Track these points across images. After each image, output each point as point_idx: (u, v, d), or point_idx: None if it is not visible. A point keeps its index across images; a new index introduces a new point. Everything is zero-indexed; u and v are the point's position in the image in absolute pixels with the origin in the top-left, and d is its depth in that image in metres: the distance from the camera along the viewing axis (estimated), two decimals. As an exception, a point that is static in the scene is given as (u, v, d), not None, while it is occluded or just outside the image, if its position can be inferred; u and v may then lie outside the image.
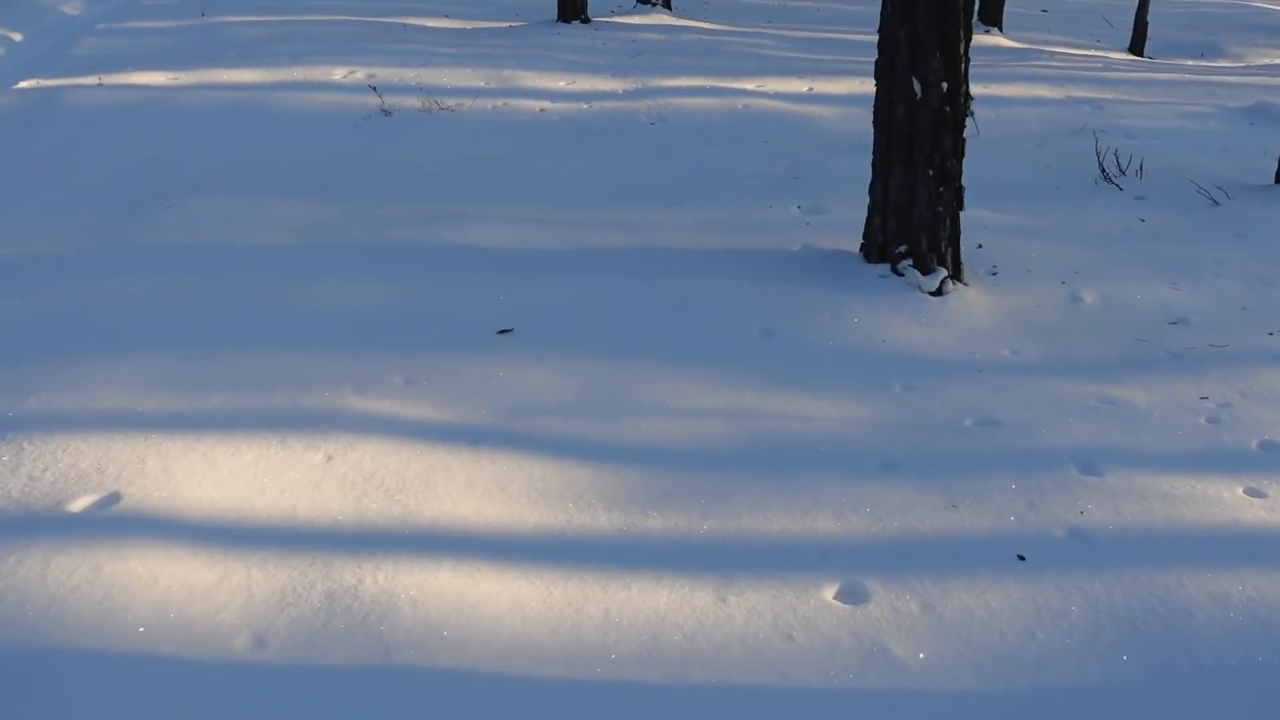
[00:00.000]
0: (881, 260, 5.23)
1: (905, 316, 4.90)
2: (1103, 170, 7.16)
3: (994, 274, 5.44)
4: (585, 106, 9.25)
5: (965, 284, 5.21)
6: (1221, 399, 4.20)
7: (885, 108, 5.04)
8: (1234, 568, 3.10)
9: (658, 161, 7.48)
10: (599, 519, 3.26)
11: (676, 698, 2.59)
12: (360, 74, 9.82)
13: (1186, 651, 2.78)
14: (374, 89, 9.14)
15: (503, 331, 4.53)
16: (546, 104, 9.27)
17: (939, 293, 5.07)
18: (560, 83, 9.95)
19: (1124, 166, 7.27)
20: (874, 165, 5.24)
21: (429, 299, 4.80)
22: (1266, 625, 2.87)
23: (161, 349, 4.17)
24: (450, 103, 9.14)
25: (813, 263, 5.41)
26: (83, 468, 3.26)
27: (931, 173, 5.01)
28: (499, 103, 9.24)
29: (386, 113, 8.71)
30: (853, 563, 3.11)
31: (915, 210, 5.07)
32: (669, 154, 7.71)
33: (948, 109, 4.94)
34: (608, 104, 9.33)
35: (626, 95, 9.63)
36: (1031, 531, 3.30)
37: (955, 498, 3.48)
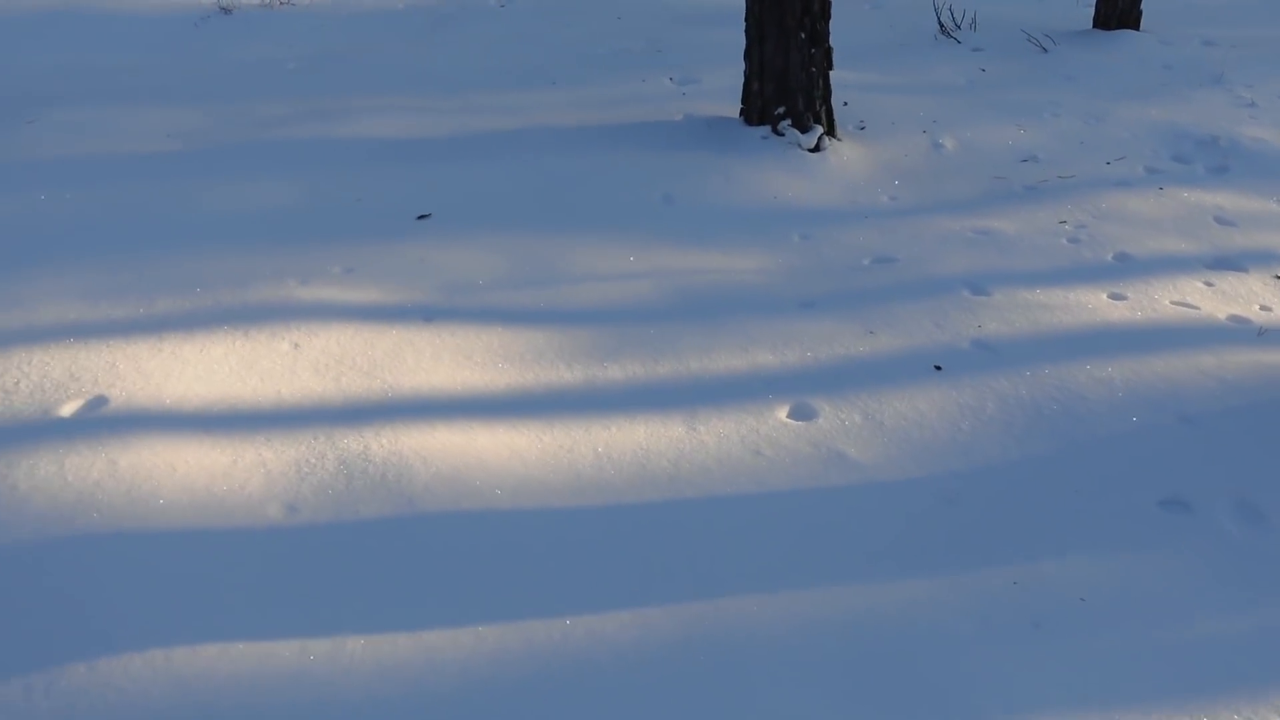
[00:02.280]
0: (762, 123, 5.55)
1: (790, 173, 5.27)
2: (941, 25, 7.63)
3: (862, 128, 5.84)
4: (430, -8, 9.13)
5: (839, 139, 5.60)
6: (1077, 222, 4.76)
7: (757, -25, 5.30)
8: (1112, 357, 3.64)
9: (519, 45, 7.55)
10: (564, 374, 3.54)
11: (672, 511, 2.93)
12: (188, -29, 9.38)
13: (1083, 425, 3.30)
14: (207, -14, 8.77)
15: (422, 217, 4.66)
16: (389, -8, 9.11)
17: (817, 149, 5.45)
18: (399, -30, 9.75)
19: (959, 21, 7.77)
20: (748, 33, 5.51)
21: (338, 192, 4.86)
22: (1141, 396, 3.42)
23: (84, 262, 4.14)
24: (290, -4, 8.88)
25: (697, 130, 5.69)
26: (56, 377, 3.31)
27: (803, 36, 5.33)
28: (340, -6, 9.04)
29: (225, 10, 8.42)
30: (796, 388, 3.50)
31: (790, 73, 5.39)
32: (528, 37, 7.78)
33: (815, -27, 5.24)
34: (452, -11, 9.24)
35: (469, -21, 9.54)
36: (941, 346, 3.75)
37: (871, 325, 3.90)
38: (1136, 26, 7.54)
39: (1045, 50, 7.20)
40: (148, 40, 7.84)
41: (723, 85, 6.29)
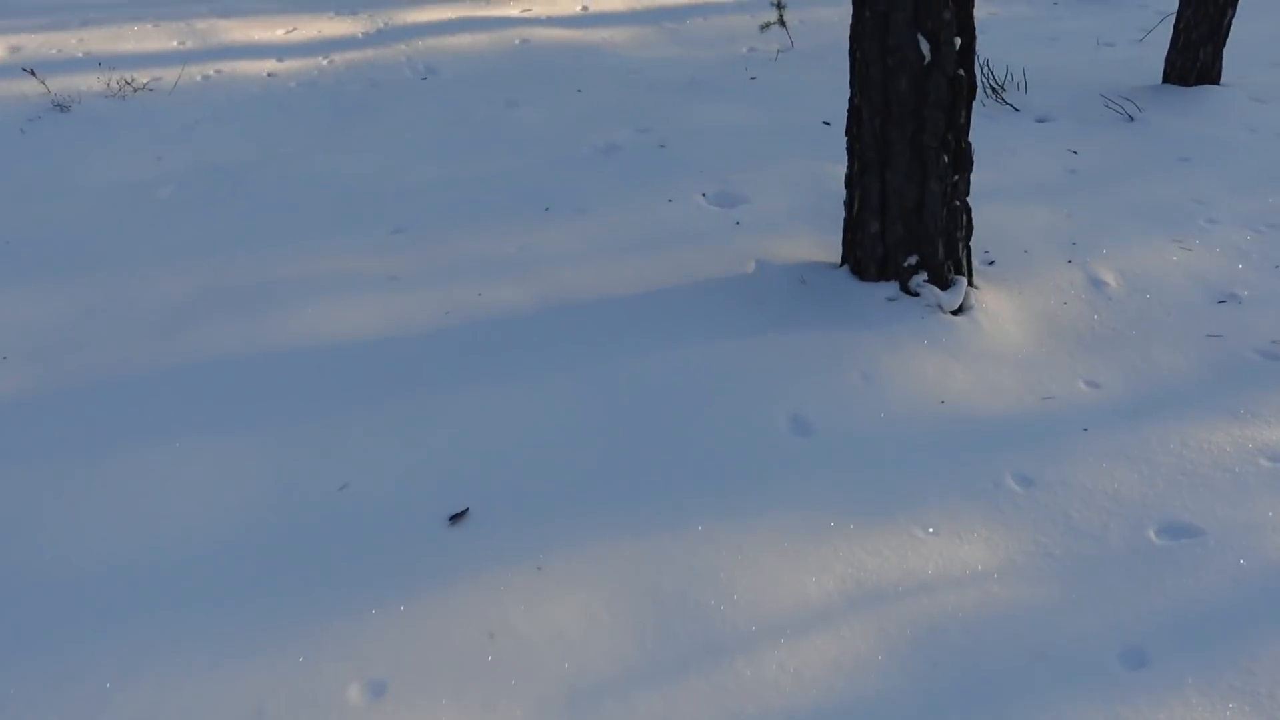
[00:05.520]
0: (882, 277, 3.96)
1: (942, 353, 3.71)
2: (990, 88, 6.19)
3: (991, 263, 4.32)
4: (325, 62, 7.26)
5: (977, 287, 4.07)
6: (1394, 429, 3.33)
7: (879, 79, 3.69)
8: None
9: (470, 140, 5.78)
10: None
11: None
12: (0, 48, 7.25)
13: None
14: (31, 71, 6.67)
15: (455, 517, 2.90)
16: (273, 64, 7.20)
17: (960, 310, 3.90)
18: (278, 30, 7.84)
19: (1002, 80, 6.35)
20: (857, 153, 3.90)
21: (307, 471, 3.05)
22: None
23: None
24: (143, 77, 6.88)
25: (785, 289, 4.06)
26: None
27: (946, 159, 3.76)
28: (209, 70, 7.06)
29: (61, 107, 6.36)
30: None
31: (927, 210, 3.82)
32: (476, 126, 6.01)
33: (962, 72, 3.68)
34: (353, 54, 7.39)
35: (371, 40, 7.70)
36: None
37: (1258, 706, 2.36)
38: (1217, 81, 6.27)
39: (1131, 118, 5.83)
40: (-45, 155, 5.75)
41: (781, 206, 4.69)
